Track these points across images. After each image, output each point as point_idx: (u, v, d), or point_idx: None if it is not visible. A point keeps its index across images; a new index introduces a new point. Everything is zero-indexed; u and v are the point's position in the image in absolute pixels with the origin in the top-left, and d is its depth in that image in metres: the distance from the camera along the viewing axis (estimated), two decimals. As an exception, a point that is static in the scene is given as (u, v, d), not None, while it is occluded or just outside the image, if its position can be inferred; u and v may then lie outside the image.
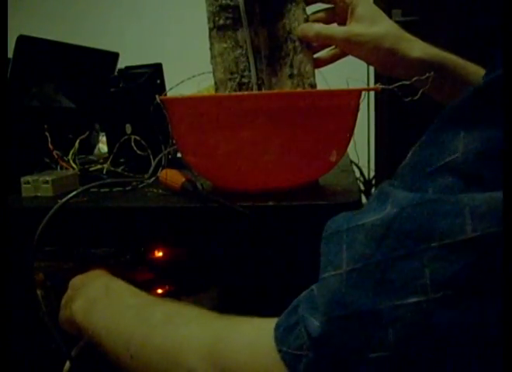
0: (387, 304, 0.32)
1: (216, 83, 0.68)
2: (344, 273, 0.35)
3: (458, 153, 0.33)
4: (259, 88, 0.67)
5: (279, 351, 0.36)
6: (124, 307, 0.54)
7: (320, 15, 0.69)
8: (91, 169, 0.83)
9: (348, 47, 0.67)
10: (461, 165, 0.33)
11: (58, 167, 0.78)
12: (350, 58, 0.70)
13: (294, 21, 0.67)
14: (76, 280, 0.63)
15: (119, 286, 0.59)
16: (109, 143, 0.86)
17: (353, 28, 0.66)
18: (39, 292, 0.63)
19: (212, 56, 0.67)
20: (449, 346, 0.32)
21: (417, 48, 0.66)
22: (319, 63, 0.70)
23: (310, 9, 0.68)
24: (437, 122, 0.36)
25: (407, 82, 0.61)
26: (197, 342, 0.43)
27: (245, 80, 0.67)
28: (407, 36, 0.67)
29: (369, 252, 0.34)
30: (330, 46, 0.70)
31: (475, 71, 0.67)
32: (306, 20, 0.67)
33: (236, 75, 0.67)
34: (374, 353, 0.33)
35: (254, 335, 0.40)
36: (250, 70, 0.67)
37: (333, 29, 0.67)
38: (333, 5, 0.68)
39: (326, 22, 0.68)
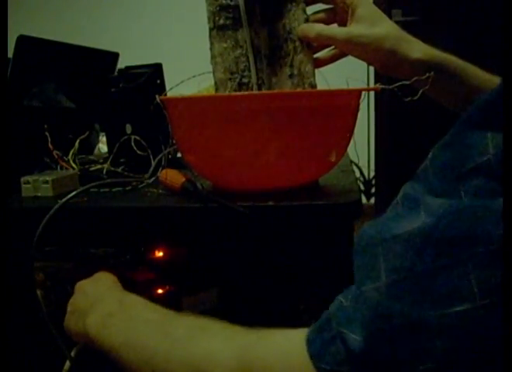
0: (433, 314, 0.32)
1: (216, 83, 0.68)
2: (384, 285, 0.34)
3: (489, 154, 0.32)
4: (259, 88, 0.67)
5: (317, 368, 0.36)
6: (143, 322, 0.53)
7: (321, 15, 0.69)
8: (91, 169, 0.83)
9: (349, 48, 0.67)
10: (494, 166, 0.32)
11: (58, 167, 0.78)
12: (350, 58, 0.70)
13: (294, 21, 0.67)
14: (84, 286, 0.61)
15: (135, 300, 0.57)
16: (109, 143, 0.86)
17: (354, 29, 0.66)
18: (39, 292, 0.63)
19: (212, 56, 0.67)
20: (498, 353, 0.31)
21: (417, 49, 0.66)
22: (319, 63, 0.70)
23: (310, 9, 0.68)
24: (459, 124, 0.36)
25: (407, 82, 0.62)
26: (224, 354, 0.42)
27: (245, 80, 0.67)
28: (407, 37, 0.67)
29: (409, 262, 0.33)
30: (330, 46, 0.70)
31: (475, 72, 0.67)
32: (307, 20, 0.67)
33: (236, 75, 0.67)
34: (422, 365, 0.32)
35: (287, 346, 0.39)
36: (250, 70, 0.67)
37: (334, 29, 0.67)
38: (333, 6, 0.68)
39: (327, 22, 0.68)
